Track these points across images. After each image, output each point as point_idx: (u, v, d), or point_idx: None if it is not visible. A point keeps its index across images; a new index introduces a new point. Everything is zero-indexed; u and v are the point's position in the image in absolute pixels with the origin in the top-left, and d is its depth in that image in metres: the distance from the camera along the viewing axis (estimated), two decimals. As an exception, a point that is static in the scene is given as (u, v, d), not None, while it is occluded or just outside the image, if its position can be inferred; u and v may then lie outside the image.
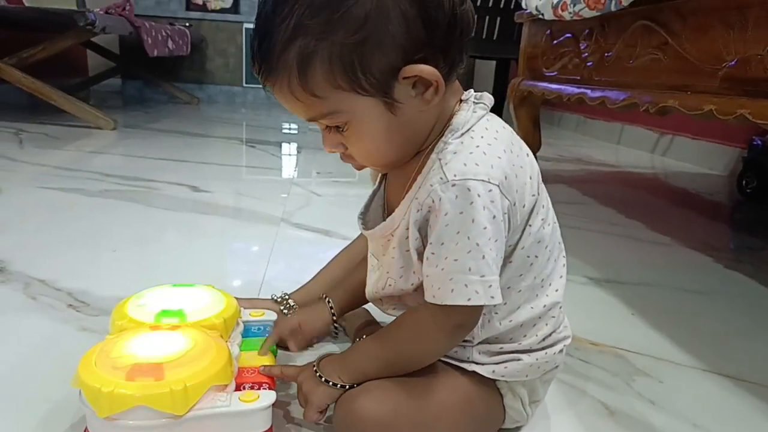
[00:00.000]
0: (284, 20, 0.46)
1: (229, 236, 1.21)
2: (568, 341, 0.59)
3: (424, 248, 0.51)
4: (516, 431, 0.60)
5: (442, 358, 0.56)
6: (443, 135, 0.51)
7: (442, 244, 0.48)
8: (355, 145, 0.52)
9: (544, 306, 0.55)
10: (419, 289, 0.54)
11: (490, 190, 0.47)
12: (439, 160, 0.49)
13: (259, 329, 0.70)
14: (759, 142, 1.80)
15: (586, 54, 1.38)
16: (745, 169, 1.84)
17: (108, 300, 0.85)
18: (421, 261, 0.52)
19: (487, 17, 3.15)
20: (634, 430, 0.62)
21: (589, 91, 1.34)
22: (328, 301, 0.69)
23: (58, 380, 0.63)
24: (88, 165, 1.76)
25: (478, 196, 0.47)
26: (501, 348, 0.55)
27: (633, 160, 2.54)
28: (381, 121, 0.49)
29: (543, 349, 0.56)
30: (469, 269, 0.47)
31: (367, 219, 0.62)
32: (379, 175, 0.62)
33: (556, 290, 0.56)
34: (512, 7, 3.14)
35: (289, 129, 2.92)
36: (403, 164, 0.54)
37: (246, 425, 0.54)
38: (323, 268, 0.79)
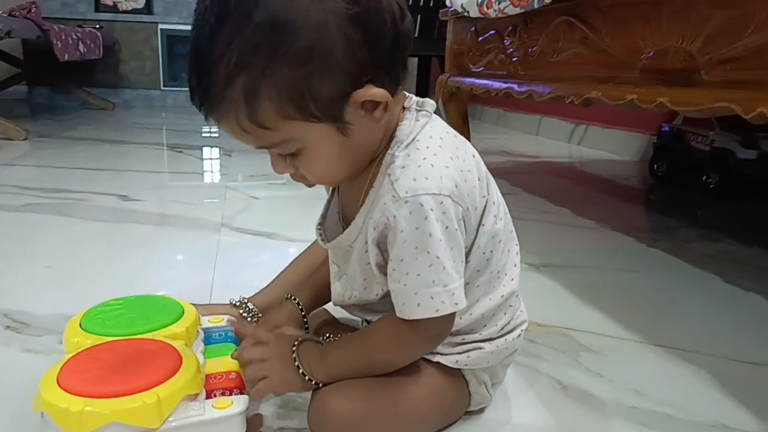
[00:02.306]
0: (223, 55, 0.44)
1: (170, 245, 1.18)
2: (525, 326, 0.62)
3: (385, 262, 0.52)
4: (480, 413, 0.63)
5: None
6: (389, 147, 0.51)
7: (402, 260, 0.49)
8: (307, 168, 0.51)
9: (502, 296, 0.58)
10: (384, 298, 0.56)
11: (442, 202, 0.48)
12: (389, 175, 0.50)
13: (220, 335, 0.69)
14: (667, 129, 1.94)
15: (511, 50, 1.44)
16: (655, 154, 1.98)
17: (50, 318, 0.81)
18: (384, 274, 0.53)
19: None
20: (587, 401, 0.67)
21: (515, 86, 1.40)
22: (296, 301, 0.68)
23: (9, 405, 0.61)
24: (3, 179, 1.65)
25: (431, 210, 0.48)
26: (463, 339, 0.58)
27: (552, 150, 2.67)
28: (333, 144, 0.49)
29: (502, 336, 0.59)
30: (433, 282, 0.49)
31: (325, 227, 0.63)
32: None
33: (512, 279, 0.59)
34: (431, 5, 3.21)
35: (210, 133, 2.85)
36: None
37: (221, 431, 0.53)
38: (282, 271, 0.79)
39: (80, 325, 0.61)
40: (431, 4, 3.20)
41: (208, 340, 0.67)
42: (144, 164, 2.06)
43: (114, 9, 4.03)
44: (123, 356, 0.54)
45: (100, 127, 2.87)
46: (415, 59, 3.77)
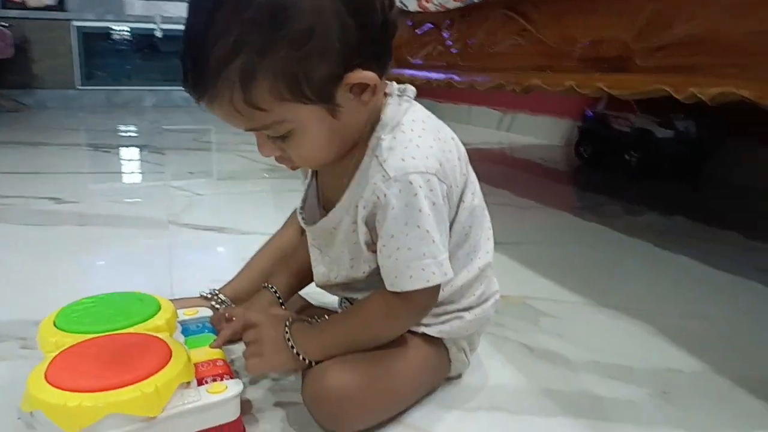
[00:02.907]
0: (221, 37, 0.45)
1: (121, 244, 1.14)
2: (498, 295, 0.66)
3: (374, 240, 0.54)
4: (459, 378, 0.67)
5: None
6: (374, 131, 0.54)
7: (392, 236, 0.51)
8: (295, 150, 0.52)
9: (479, 268, 0.61)
10: (370, 275, 0.58)
11: (429, 180, 0.51)
12: (377, 157, 0.52)
13: (198, 326, 0.69)
14: (591, 114, 2.06)
15: (450, 42, 1.49)
16: (581, 137, 2.10)
17: (10, 325, 0.77)
18: (372, 252, 0.55)
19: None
20: (553, 360, 0.72)
21: (456, 76, 1.45)
22: (273, 289, 0.69)
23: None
24: None
25: (420, 187, 0.51)
26: (444, 309, 0.61)
27: (484, 137, 2.76)
28: (323, 126, 0.51)
29: (479, 305, 0.63)
30: (424, 254, 0.52)
31: (304, 213, 0.64)
32: (310, 170, 0.64)
33: (487, 252, 0.63)
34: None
35: (134, 133, 2.75)
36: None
37: (217, 417, 0.54)
38: (249, 261, 0.79)
39: (55, 325, 0.60)
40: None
41: (186, 332, 0.67)
42: (71, 166, 1.97)
43: (22, 6, 3.79)
44: (111, 350, 0.54)
45: (15, 130, 2.70)
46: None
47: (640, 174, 1.85)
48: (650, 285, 0.99)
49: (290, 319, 0.59)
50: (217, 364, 0.60)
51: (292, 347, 0.57)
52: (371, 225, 0.54)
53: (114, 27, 3.92)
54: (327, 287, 0.66)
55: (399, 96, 0.56)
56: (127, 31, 3.97)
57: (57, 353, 0.54)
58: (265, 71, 0.46)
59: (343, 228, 0.57)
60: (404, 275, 0.52)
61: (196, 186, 1.63)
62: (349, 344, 0.57)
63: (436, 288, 0.55)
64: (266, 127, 0.50)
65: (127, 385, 0.49)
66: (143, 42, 4.02)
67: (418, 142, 0.53)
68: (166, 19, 4.01)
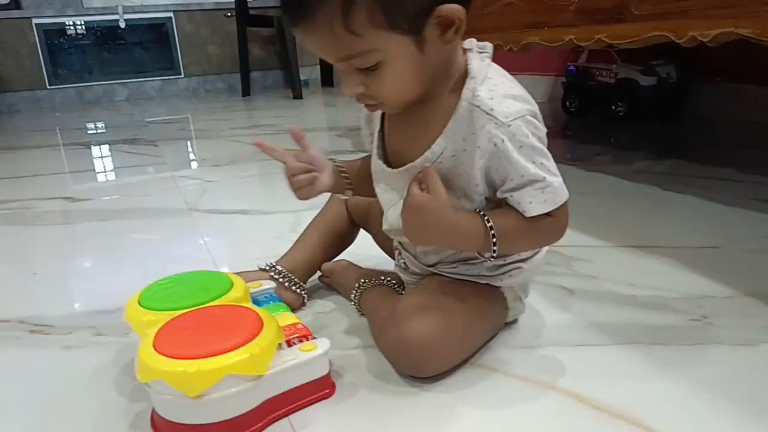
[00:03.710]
0: None
1: (152, 234, 1.16)
2: (545, 251, 0.70)
3: (489, 188, 0.59)
4: (515, 323, 0.72)
5: (456, 275, 0.66)
6: (466, 82, 0.57)
7: (522, 176, 0.55)
8: (382, 83, 0.55)
9: None
10: None
11: (531, 121, 0.56)
12: (478, 107, 0.56)
13: (266, 297, 0.74)
14: (573, 68, 2.11)
15: (441, 7, 1.51)
16: (566, 92, 2.15)
17: (72, 317, 0.81)
18: (482, 203, 0.59)
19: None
20: (593, 299, 0.78)
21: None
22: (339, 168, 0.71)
23: (90, 394, 0.62)
24: None
25: (533, 121, 0.56)
26: (504, 261, 0.65)
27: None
28: (410, 58, 0.54)
29: (534, 256, 0.68)
30: (549, 182, 0.56)
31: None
32: (377, 120, 0.67)
33: None
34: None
35: (111, 127, 2.73)
36: (415, 106, 0.59)
37: (311, 372, 0.59)
38: (301, 236, 0.84)
39: (142, 305, 0.63)
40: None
41: (256, 304, 0.71)
42: (69, 165, 1.96)
43: (-24, 6, 3.67)
44: (209, 321, 0.58)
45: (-4, 136, 2.66)
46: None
47: (627, 121, 1.93)
48: (666, 223, 1.06)
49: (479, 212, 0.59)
50: (298, 326, 0.65)
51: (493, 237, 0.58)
52: (488, 178, 0.58)
53: (76, 21, 3.83)
54: (393, 232, 0.68)
55: (479, 52, 0.60)
56: (90, 24, 3.87)
57: (158, 328, 0.57)
58: None
59: (441, 167, 0.59)
60: (538, 200, 0.56)
61: (202, 173, 1.64)
62: (515, 238, 0.59)
63: (566, 207, 0.58)
64: (359, 54, 0.52)
65: (234, 348, 0.53)
66: (108, 35, 3.94)
67: (513, 92, 0.57)
68: (128, 9, 3.93)
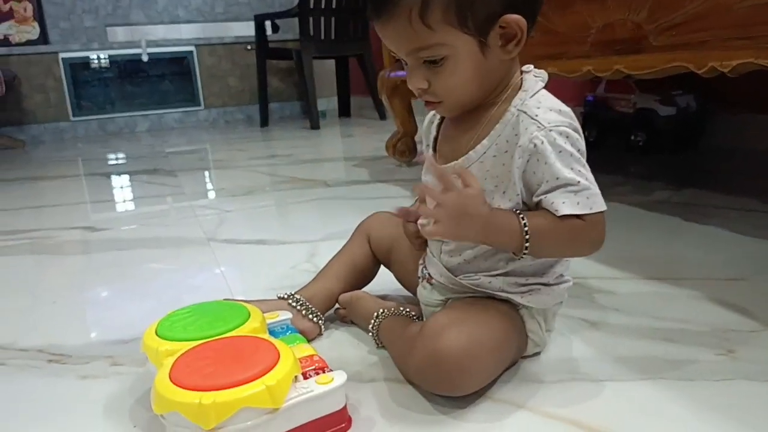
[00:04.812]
0: None
1: (170, 264, 1.17)
2: (571, 282, 0.70)
3: (525, 185, 0.60)
4: (537, 356, 0.70)
5: (478, 288, 0.66)
6: (518, 94, 0.61)
7: (557, 178, 0.57)
8: (445, 78, 0.59)
9: None
10: None
11: (576, 132, 0.59)
12: (524, 112, 0.59)
13: (282, 328, 0.73)
14: (592, 98, 2.11)
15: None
16: (584, 122, 2.15)
17: (88, 347, 0.81)
18: (519, 203, 0.61)
19: (323, 18, 3.26)
20: (615, 332, 0.76)
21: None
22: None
23: (105, 424, 0.62)
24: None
25: (568, 136, 0.58)
26: (527, 280, 0.66)
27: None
28: (473, 59, 0.58)
29: (557, 284, 0.67)
30: (586, 186, 0.58)
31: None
32: (434, 123, 0.70)
33: None
34: (343, 5, 3.28)
35: (131, 158, 2.77)
36: (468, 113, 0.63)
37: (327, 405, 0.58)
38: (324, 268, 0.84)
39: (159, 336, 0.63)
40: (343, 5, 3.28)
41: (273, 334, 0.70)
42: (90, 195, 1.99)
43: (6, 42, 3.80)
44: (226, 352, 0.57)
45: (22, 166, 2.72)
46: (332, 61, 3.85)
47: (646, 152, 1.91)
48: (684, 254, 1.03)
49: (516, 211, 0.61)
50: (314, 359, 0.64)
51: (526, 233, 0.59)
52: (525, 180, 0.60)
53: (101, 55, 3.94)
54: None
55: (536, 77, 0.63)
56: (113, 58, 3.98)
57: (174, 359, 0.57)
58: None
59: (475, 174, 0.61)
60: (573, 201, 0.57)
61: (220, 203, 1.66)
62: (551, 240, 0.60)
63: (603, 218, 0.59)
64: (429, 47, 0.57)
65: (250, 381, 0.53)
66: (131, 68, 4.05)
67: (559, 108, 0.60)
68: (151, 43, 4.04)
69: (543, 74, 0.64)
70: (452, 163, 0.64)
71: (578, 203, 0.57)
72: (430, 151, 0.71)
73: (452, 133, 0.67)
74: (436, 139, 0.71)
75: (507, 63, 0.61)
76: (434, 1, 0.55)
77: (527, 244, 0.59)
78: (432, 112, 0.71)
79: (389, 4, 0.57)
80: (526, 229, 0.58)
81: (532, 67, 0.65)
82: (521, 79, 0.63)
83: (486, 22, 0.57)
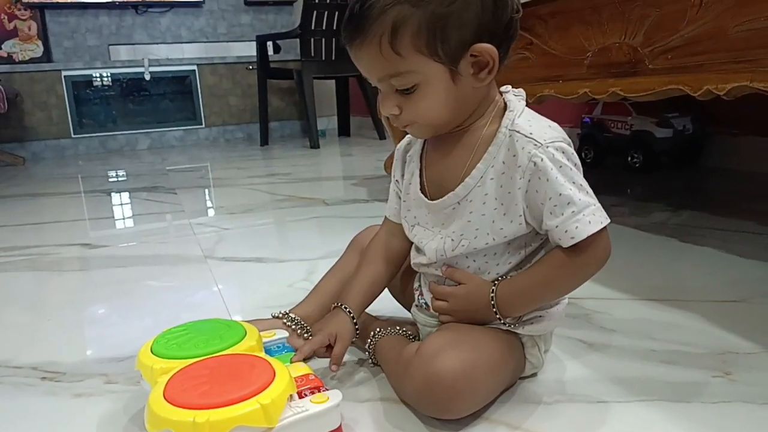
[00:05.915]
0: None
1: (167, 281, 1.17)
2: (567, 300, 0.70)
3: (528, 207, 0.61)
4: (533, 377, 0.70)
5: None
6: (505, 114, 0.61)
7: (560, 194, 0.58)
8: (416, 105, 0.59)
9: None
10: (492, 246, 0.63)
11: (570, 146, 0.60)
12: (517, 132, 0.59)
13: (278, 347, 0.73)
14: (588, 120, 2.13)
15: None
16: (581, 143, 2.16)
17: (84, 364, 0.80)
18: (521, 224, 0.61)
19: (323, 39, 3.30)
20: (612, 353, 0.76)
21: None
22: (347, 309, 0.72)
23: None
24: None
25: (569, 148, 0.59)
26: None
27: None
28: (444, 87, 0.58)
29: (555, 306, 0.67)
30: (588, 202, 0.58)
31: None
32: (416, 159, 0.69)
33: None
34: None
35: (132, 175, 2.78)
36: (452, 136, 0.63)
37: (323, 425, 0.57)
38: (317, 285, 0.83)
39: (154, 353, 0.63)
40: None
41: (268, 353, 0.70)
42: (89, 212, 1.99)
43: (10, 60, 3.84)
44: (220, 371, 0.57)
45: (21, 183, 2.72)
46: (332, 81, 3.88)
47: (642, 173, 1.92)
48: (681, 276, 1.04)
49: (497, 282, 0.64)
50: (310, 378, 0.63)
51: (495, 311, 0.63)
52: (527, 201, 0.60)
53: (103, 73, 3.97)
54: (425, 266, 0.69)
55: (515, 96, 0.64)
56: (116, 76, 4.01)
57: (169, 377, 0.57)
58: (412, 21, 0.55)
59: (475, 199, 0.62)
60: (583, 221, 0.58)
61: (219, 221, 1.66)
62: (537, 302, 0.64)
63: (606, 231, 0.60)
64: (399, 74, 0.58)
65: (245, 399, 0.52)
66: (132, 86, 4.08)
67: (549, 123, 0.62)
68: (154, 62, 4.07)
69: (522, 93, 0.65)
70: (449, 194, 0.64)
71: (590, 222, 0.58)
72: (416, 178, 0.69)
73: (440, 159, 0.67)
74: (420, 168, 0.69)
75: (482, 89, 0.61)
76: (404, 29, 0.55)
77: (498, 315, 0.63)
78: (405, 142, 0.72)
79: (361, 30, 0.57)
80: (493, 302, 0.63)
81: (510, 87, 0.65)
82: (504, 99, 0.63)
83: (457, 51, 0.57)
